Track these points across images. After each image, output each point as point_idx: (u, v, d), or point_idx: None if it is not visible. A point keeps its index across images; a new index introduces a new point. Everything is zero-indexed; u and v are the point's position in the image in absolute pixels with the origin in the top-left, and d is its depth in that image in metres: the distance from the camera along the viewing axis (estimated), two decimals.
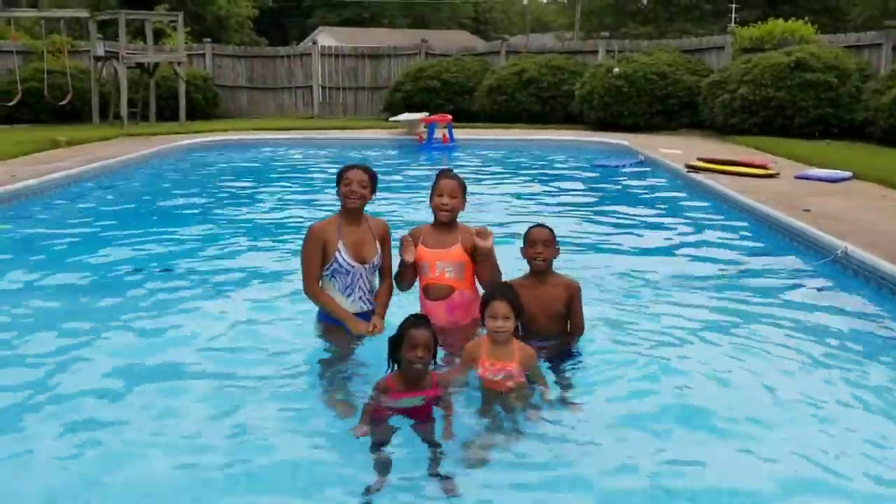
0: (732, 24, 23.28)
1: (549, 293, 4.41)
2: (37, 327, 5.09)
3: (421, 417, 3.68)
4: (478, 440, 3.53)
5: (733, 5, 41.93)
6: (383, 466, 3.34)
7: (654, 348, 4.71)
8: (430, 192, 4.68)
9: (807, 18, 19.92)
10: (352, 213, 4.63)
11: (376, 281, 4.79)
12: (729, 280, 6.32)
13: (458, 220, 4.67)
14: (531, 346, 4.03)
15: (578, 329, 4.51)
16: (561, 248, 4.56)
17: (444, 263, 4.54)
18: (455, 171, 4.84)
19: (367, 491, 3.18)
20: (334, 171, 4.97)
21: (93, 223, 8.83)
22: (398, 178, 12.32)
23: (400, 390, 3.73)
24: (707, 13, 46.09)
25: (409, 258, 4.50)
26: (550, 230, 4.48)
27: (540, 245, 4.39)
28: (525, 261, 4.49)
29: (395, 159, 15.10)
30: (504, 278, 4.50)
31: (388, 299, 4.76)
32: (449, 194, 4.56)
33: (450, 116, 17.06)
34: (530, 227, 4.53)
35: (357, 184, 4.57)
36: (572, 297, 4.45)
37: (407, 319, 3.80)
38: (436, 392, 3.75)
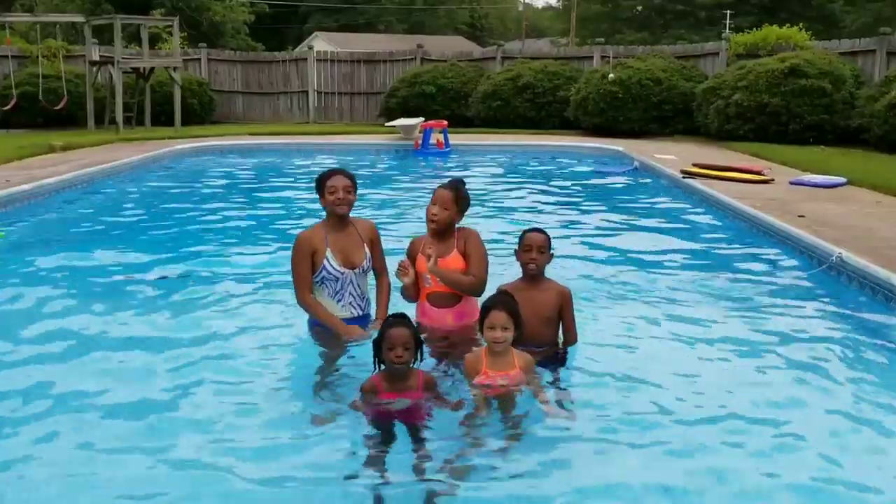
0: (727, 31, 23.35)
1: (541, 298, 4.39)
2: (28, 333, 5.06)
3: (413, 419, 3.68)
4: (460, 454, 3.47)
5: (727, 12, 42.10)
6: (381, 475, 3.33)
7: (648, 354, 4.70)
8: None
9: (801, 25, 19.99)
10: (340, 219, 4.63)
11: (367, 284, 4.79)
12: (723, 286, 6.31)
13: (456, 225, 4.67)
14: (530, 356, 4.00)
15: (572, 337, 4.51)
16: (555, 253, 4.56)
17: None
18: (463, 181, 4.77)
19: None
20: None
21: (87, 228, 8.80)
22: (393, 183, 12.33)
23: (387, 390, 3.75)
24: (702, 20, 46.26)
25: (407, 280, 4.54)
26: (546, 235, 4.47)
27: (535, 250, 4.38)
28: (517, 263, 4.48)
29: (391, 164, 15.10)
30: (493, 282, 4.49)
31: (387, 299, 4.78)
32: (440, 204, 4.55)
33: (446, 122, 17.06)
34: (526, 231, 4.51)
35: (343, 190, 4.58)
36: (564, 303, 4.44)
37: (387, 320, 3.84)
38: (421, 395, 3.76)
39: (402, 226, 8.12)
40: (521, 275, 4.50)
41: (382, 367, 3.80)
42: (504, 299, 3.96)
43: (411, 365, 3.77)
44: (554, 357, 4.41)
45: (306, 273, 4.59)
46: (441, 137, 16.30)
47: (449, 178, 4.84)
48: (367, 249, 4.70)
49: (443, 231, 4.60)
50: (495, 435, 3.60)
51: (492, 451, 3.49)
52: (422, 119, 18.04)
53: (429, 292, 4.63)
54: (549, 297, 4.41)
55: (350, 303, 4.67)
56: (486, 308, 3.90)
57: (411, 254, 4.71)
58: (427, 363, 4.09)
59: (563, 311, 4.44)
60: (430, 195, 4.68)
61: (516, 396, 3.84)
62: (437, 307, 4.61)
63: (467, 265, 4.55)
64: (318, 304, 4.62)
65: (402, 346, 3.68)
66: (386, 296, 4.79)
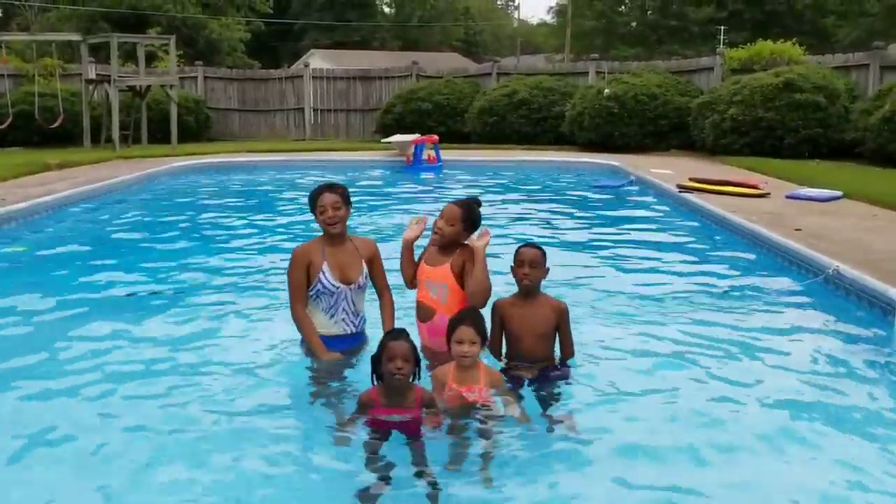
0: (721, 46, 23.46)
1: (537, 313, 4.39)
2: (23, 348, 5.04)
3: (410, 432, 3.66)
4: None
5: (721, 27, 42.33)
6: (382, 479, 3.33)
7: (644, 369, 4.70)
8: None
9: (794, 40, 20.10)
10: (335, 236, 4.63)
11: (363, 302, 4.78)
12: (719, 300, 6.32)
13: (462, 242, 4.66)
14: (499, 372, 4.05)
15: (569, 351, 4.50)
16: (550, 268, 4.54)
17: (430, 282, 4.55)
18: (479, 201, 4.70)
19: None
20: None
21: (83, 246, 8.78)
22: (382, 198, 12.34)
23: (383, 405, 3.73)
24: (696, 35, 46.45)
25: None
26: (541, 250, 4.46)
27: (527, 265, 4.36)
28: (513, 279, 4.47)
29: (383, 180, 15.13)
30: (492, 297, 4.48)
31: (392, 315, 4.76)
32: (447, 219, 4.53)
33: (436, 137, 17.11)
34: (521, 246, 4.50)
35: (331, 208, 4.57)
36: (559, 318, 4.43)
37: (387, 334, 3.87)
38: (417, 413, 3.74)
39: (386, 240, 8.10)
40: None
41: (380, 381, 3.78)
42: (471, 314, 4.02)
43: (410, 380, 3.76)
44: (551, 372, 4.39)
45: (301, 286, 4.58)
46: (433, 153, 16.34)
47: (466, 196, 4.83)
48: (364, 266, 4.69)
49: (446, 246, 4.59)
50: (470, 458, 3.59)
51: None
52: (417, 135, 18.09)
53: (417, 300, 4.63)
54: (544, 313, 4.41)
55: (343, 319, 4.66)
56: (454, 323, 3.96)
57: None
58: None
59: (559, 325, 4.44)
60: (419, 211, 4.70)
61: (478, 414, 3.82)
62: (418, 319, 4.62)
63: (461, 287, 4.49)
64: (307, 319, 4.61)
65: (402, 358, 3.66)
66: (390, 314, 4.77)
